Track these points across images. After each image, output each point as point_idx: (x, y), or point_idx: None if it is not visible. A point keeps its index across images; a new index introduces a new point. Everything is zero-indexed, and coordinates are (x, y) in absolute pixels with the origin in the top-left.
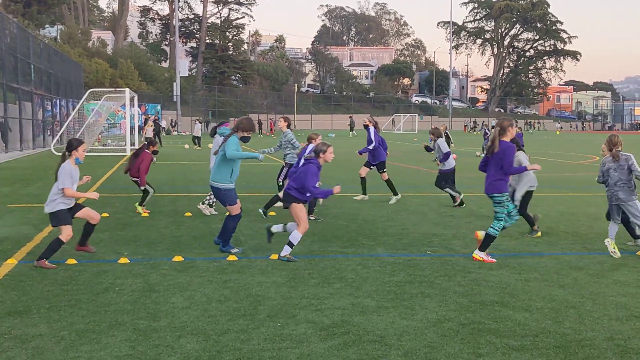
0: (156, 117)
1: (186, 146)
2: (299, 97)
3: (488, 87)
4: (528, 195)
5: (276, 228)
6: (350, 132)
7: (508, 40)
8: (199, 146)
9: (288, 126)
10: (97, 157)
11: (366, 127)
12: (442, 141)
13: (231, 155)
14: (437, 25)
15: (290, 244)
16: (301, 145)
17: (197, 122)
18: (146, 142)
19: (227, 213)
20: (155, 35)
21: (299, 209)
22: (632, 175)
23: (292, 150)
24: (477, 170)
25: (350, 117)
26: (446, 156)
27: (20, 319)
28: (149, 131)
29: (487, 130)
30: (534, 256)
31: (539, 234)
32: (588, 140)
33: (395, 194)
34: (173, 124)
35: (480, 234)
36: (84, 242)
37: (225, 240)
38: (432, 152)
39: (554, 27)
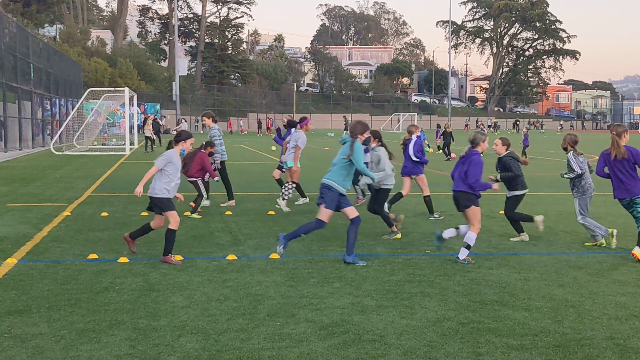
0: (155, 117)
1: (273, 148)
2: (298, 97)
3: (487, 86)
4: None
5: (448, 233)
6: (345, 132)
7: (507, 39)
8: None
9: (215, 122)
10: (96, 156)
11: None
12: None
13: (360, 168)
14: (436, 25)
15: (468, 246)
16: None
17: (182, 120)
18: (203, 143)
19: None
20: (155, 34)
21: (477, 211)
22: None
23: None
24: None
25: (344, 117)
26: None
27: (20, 318)
28: (147, 130)
29: (483, 130)
30: (533, 255)
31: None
32: (587, 140)
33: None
34: (179, 122)
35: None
36: (135, 236)
37: (350, 250)
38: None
39: (553, 27)
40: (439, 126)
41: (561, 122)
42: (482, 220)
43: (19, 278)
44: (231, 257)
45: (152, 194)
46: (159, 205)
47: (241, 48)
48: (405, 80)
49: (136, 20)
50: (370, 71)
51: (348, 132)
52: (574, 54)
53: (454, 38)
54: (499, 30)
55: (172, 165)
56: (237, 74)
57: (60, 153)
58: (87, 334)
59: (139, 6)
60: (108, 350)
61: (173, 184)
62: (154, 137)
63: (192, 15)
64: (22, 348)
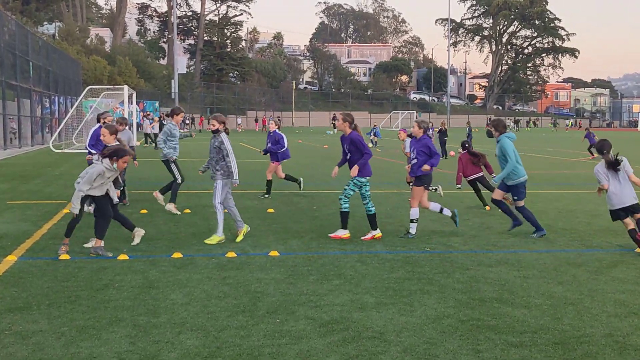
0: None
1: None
2: (297, 94)
3: (486, 84)
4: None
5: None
6: (335, 130)
7: (506, 37)
8: (153, 144)
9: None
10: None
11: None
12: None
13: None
14: (435, 23)
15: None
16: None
17: (146, 118)
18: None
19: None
20: (154, 32)
21: (417, 190)
22: None
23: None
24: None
25: (334, 115)
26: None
27: (21, 315)
28: (148, 128)
29: (470, 129)
30: (533, 253)
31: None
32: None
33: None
34: (187, 121)
35: None
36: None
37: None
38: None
39: (552, 24)
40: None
41: (570, 120)
42: (480, 217)
43: (19, 275)
44: (231, 254)
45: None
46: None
47: (240, 46)
48: (404, 78)
49: (135, 18)
50: (369, 69)
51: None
52: (573, 52)
53: (453, 36)
54: (498, 28)
55: None
56: (236, 72)
57: (60, 151)
58: (87, 331)
59: (138, 4)
60: (108, 347)
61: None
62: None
63: (191, 13)
64: (23, 345)
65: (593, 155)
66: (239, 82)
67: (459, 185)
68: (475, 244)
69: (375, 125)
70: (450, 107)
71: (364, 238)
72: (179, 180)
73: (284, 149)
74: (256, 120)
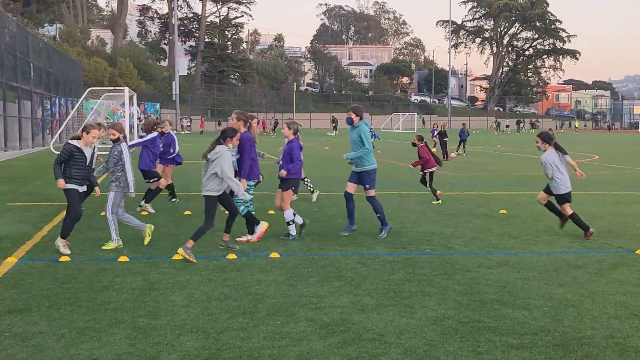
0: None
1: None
2: (298, 96)
3: (487, 86)
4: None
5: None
6: (334, 131)
7: (507, 39)
8: None
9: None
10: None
11: None
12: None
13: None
14: (436, 24)
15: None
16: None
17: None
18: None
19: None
20: (154, 34)
21: (287, 194)
22: None
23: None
24: (476, 170)
25: (333, 116)
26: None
27: (21, 317)
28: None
29: (437, 128)
30: (533, 255)
31: None
32: (586, 140)
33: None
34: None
35: None
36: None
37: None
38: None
39: (553, 26)
40: (435, 126)
41: (585, 122)
42: (481, 219)
43: (19, 277)
44: (231, 256)
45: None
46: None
47: (241, 47)
48: (405, 79)
49: (136, 20)
50: (370, 71)
51: (335, 131)
52: (573, 54)
53: (454, 38)
54: (499, 30)
55: None
56: (236, 74)
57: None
58: (87, 333)
59: (138, 6)
60: (108, 348)
61: None
62: None
63: (192, 15)
64: (23, 347)
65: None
66: (240, 84)
67: (412, 167)
68: (475, 246)
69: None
70: (451, 108)
71: (238, 240)
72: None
73: (175, 154)
74: (258, 122)
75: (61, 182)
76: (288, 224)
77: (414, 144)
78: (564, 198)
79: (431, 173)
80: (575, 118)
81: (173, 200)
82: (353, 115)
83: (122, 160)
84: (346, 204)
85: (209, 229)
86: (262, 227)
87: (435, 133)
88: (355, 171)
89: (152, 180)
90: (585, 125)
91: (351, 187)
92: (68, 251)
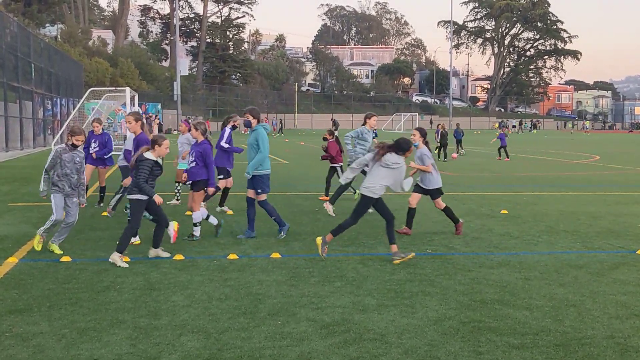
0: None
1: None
2: (300, 97)
3: (488, 86)
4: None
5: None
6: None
7: (508, 39)
8: None
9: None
10: None
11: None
12: None
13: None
14: (438, 25)
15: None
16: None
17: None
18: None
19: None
20: (156, 34)
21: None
22: None
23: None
24: (477, 170)
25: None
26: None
27: (22, 317)
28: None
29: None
30: (534, 255)
31: None
32: (588, 140)
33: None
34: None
35: None
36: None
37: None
38: None
39: (555, 27)
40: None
41: (592, 124)
42: (482, 220)
43: (20, 277)
44: (232, 256)
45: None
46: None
47: (242, 48)
48: (407, 80)
49: (137, 20)
50: (372, 71)
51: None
52: (575, 54)
53: (455, 38)
54: (500, 31)
55: None
56: (238, 74)
57: None
58: (88, 333)
59: (140, 6)
60: (109, 349)
61: None
62: None
63: (193, 15)
64: (23, 347)
65: (500, 156)
66: (241, 84)
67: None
68: (476, 246)
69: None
70: (452, 109)
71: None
72: None
73: (110, 154)
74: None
75: (159, 199)
76: (194, 225)
77: (325, 139)
78: (439, 191)
79: (335, 168)
80: (576, 118)
81: (102, 204)
82: (251, 118)
83: (83, 166)
84: (247, 209)
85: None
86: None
87: (438, 133)
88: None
89: (220, 178)
90: (592, 126)
91: (251, 193)
92: (125, 264)
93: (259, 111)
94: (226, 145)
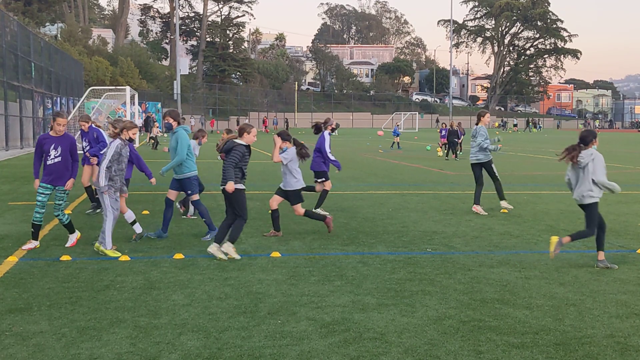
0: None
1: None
2: (300, 95)
3: (488, 85)
4: None
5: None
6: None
7: (508, 38)
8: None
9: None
10: None
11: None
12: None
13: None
14: (438, 24)
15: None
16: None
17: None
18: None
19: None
20: (156, 33)
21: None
22: None
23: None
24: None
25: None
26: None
27: (21, 316)
28: (154, 130)
29: (446, 128)
30: (534, 254)
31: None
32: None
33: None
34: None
35: None
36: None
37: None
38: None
39: (555, 26)
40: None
41: (598, 123)
42: (482, 219)
43: (20, 276)
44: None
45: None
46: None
47: (242, 47)
48: (407, 79)
49: (137, 19)
50: (372, 70)
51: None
52: (575, 53)
53: (455, 37)
54: (500, 29)
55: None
56: (238, 73)
57: None
58: (88, 332)
59: (140, 5)
60: (109, 348)
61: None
62: (158, 135)
63: (193, 14)
64: (23, 346)
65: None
66: (241, 83)
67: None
68: (476, 245)
69: (398, 124)
70: (452, 108)
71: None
72: None
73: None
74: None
75: (231, 185)
76: (132, 224)
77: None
78: (299, 195)
79: None
80: (576, 118)
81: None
82: (171, 120)
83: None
84: (164, 209)
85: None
86: (76, 235)
87: (444, 132)
88: (175, 178)
89: (319, 181)
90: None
91: (172, 194)
92: (238, 256)
93: (179, 113)
94: (332, 157)
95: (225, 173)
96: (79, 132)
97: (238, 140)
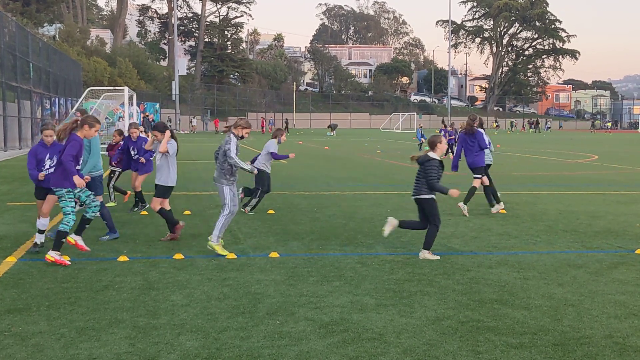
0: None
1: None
2: (298, 96)
3: (487, 85)
4: None
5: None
6: (333, 132)
7: (507, 39)
8: None
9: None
10: None
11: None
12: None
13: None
14: (436, 24)
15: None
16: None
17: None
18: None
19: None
20: (154, 33)
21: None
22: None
23: None
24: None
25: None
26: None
27: (20, 317)
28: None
29: (445, 129)
30: (533, 254)
31: None
32: (589, 140)
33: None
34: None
35: None
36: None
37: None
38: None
39: (553, 26)
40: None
41: (606, 124)
42: (481, 219)
43: (19, 276)
44: (231, 255)
45: None
46: None
47: (241, 47)
48: (405, 79)
49: (136, 20)
50: (370, 70)
51: (333, 132)
52: (573, 54)
53: (454, 37)
54: (498, 30)
55: None
56: (236, 74)
57: None
58: (87, 332)
59: (138, 5)
60: (108, 348)
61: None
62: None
63: (191, 15)
64: (22, 346)
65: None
66: (239, 84)
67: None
68: (475, 246)
69: (421, 126)
70: (450, 108)
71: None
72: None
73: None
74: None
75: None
76: (38, 231)
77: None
78: (166, 192)
79: (117, 173)
80: (575, 118)
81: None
82: (85, 121)
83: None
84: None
85: None
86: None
87: (444, 132)
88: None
89: (477, 177)
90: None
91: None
92: (437, 257)
93: (95, 117)
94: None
95: (434, 188)
96: (125, 137)
97: (431, 154)
